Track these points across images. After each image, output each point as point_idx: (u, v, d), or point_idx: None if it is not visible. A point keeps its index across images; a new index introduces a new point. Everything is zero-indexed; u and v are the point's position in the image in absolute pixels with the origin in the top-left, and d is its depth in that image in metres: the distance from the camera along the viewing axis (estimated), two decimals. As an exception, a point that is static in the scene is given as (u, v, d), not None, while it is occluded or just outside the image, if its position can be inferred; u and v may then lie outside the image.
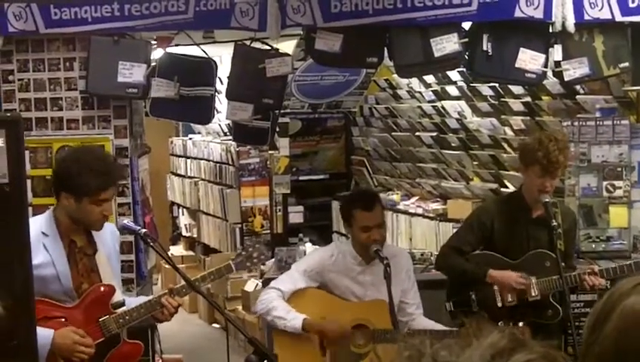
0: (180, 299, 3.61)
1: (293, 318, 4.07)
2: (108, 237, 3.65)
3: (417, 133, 7.84)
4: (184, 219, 10.49)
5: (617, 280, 3.83)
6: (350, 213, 4.12)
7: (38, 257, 3.32)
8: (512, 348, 0.96)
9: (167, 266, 8.14)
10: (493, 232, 4.25)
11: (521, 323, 3.85)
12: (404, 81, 7.65)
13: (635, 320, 1.24)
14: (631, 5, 4.39)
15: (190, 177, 10.20)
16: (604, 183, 5.27)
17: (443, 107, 7.35)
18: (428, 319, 4.24)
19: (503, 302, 4.17)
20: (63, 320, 3.45)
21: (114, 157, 3.98)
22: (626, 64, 4.54)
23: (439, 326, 4.14)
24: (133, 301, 3.70)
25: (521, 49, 4.51)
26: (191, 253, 10.14)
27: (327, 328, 4.06)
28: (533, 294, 4.11)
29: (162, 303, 3.56)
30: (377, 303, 4.09)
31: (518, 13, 4.37)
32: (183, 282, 3.66)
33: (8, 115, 3.23)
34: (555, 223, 3.96)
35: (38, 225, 3.43)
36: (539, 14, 4.37)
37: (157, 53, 5.12)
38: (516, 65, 4.53)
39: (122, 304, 3.57)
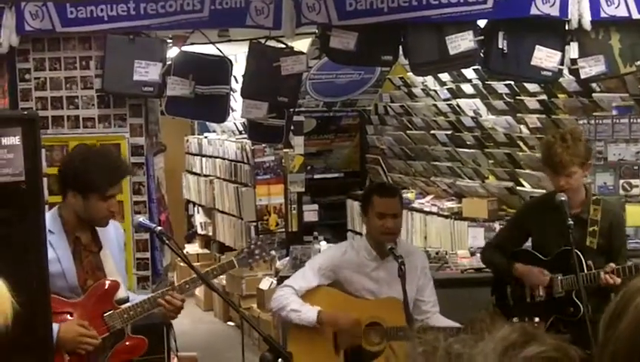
0: (179, 295, 3.61)
1: (308, 311, 4.09)
2: (112, 235, 3.67)
3: (432, 132, 7.82)
4: (199, 217, 10.53)
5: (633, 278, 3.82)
6: (369, 199, 4.16)
7: None
8: (524, 341, 0.98)
9: (182, 264, 8.17)
10: (532, 229, 4.34)
11: (537, 319, 3.89)
12: (419, 79, 7.63)
13: None
14: (648, 3, 4.36)
15: (205, 175, 10.23)
16: (621, 182, 5.24)
17: (458, 105, 7.32)
18: (444, 318, 4.23)
19: (533, 297, 4.24)
20: (69, 315, 3.47)
21: (119, 153, 4.02)
22: (643, 62, 4.51)
23: (454, 325, 4.13)
24: (137, 298, 3.72)
25: (537, 47, 4.49)
26: (206, 250, 10.18)
27: (340, 320, 4.08)
28: (558, 291, 4.17)
29: (166, 299, 3.58)
30: (391, 301, 4.09)
31: (534, 11, 4.35)
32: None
33: (25, 113, 3.25)
34: (570, 221, 3.94)
35: None
36: (555, 12, 4.35)
37: (172, 52, 5.14)
38: (532, 63, 4.51)
39: (126, 300, 3.60)
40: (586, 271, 4.03)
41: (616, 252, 4.16)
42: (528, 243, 4.47)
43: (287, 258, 6.26)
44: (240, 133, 9.61)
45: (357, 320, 4.09)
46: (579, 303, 4.10)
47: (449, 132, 7.56)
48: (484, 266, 5.20)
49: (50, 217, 3.54)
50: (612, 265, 3.99)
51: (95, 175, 3.43)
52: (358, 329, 4.09)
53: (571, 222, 3.93)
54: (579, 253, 3.99)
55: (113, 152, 3.87)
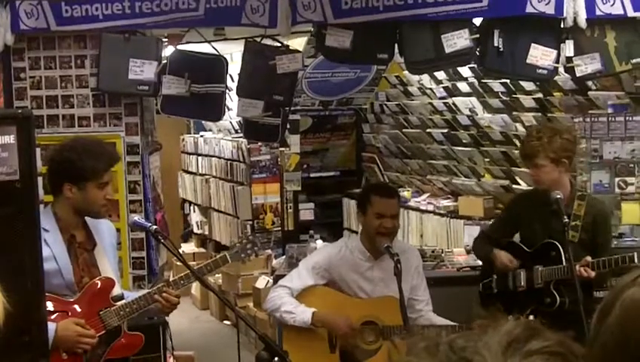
0: (174, 291, 3.61)
1: (302, 312, 4.07)
2: (105, 232, 3.67)
3: (428, 130, 7.83)
4: (195, 217, 10.52)
5: (609, 272, 3.98)
6: (367, 198, 4.13)
7: None
8: (529, 336, 0.99)
9: (178, 263, 8.15)
10: (520, 222, 4.39)
11: (531, 317, 3.93)
12: (415, 77, 7.64)
13: (635, 310, 1.25)
14: (643, 0, 4.37)
15: (201, 174, 10.22)
16: (616, 180, 5.25)
17: (454, 103, 7.33)
18: (437, 316, 4.24)
19: (514, 287, 4.29)
20: (65, 313, 3.47)
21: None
22: (638, 60, 4.51)
23: (448, 323, 4.14)
24: (132, 295, 3.72)
25: (533, 45, 4.50)
26: (202, 250, 10.17)
27: (336, 323, 4.06)
28: (538, 281, 4.22)
29: (163, 296, 3.58)
30: (386, 300, 4.09)
31: (529, 9, 4.35)
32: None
33: (20, 111, 3.24)
34: (566, 219, 3.96)
35: None
36: (550, 10, 4.36)
37: (168, 51, 5.14)
38: (527, 61, 4.52)
39: (121, 297, 3.59)
40: (564, 264, 4.08)
41: (600, 248, 4.21)
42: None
43: (283, 257, 6.26)
44: (236, 131, 9.61)
45: (351, 324, 4.08)
46: (556, 294, 4.15)
47: (445, 130, 7.56)
48: (480, 264, 5.22)
49: (43, 215, 3.53)
50: (587, 258, 4.03)
51: (88, 162, 3.43)
52: (352, 333, 4.08)
53: (567, 220, 3.96)
54: (559, 246, 4.07)
55: (97, 139, 3.90)
